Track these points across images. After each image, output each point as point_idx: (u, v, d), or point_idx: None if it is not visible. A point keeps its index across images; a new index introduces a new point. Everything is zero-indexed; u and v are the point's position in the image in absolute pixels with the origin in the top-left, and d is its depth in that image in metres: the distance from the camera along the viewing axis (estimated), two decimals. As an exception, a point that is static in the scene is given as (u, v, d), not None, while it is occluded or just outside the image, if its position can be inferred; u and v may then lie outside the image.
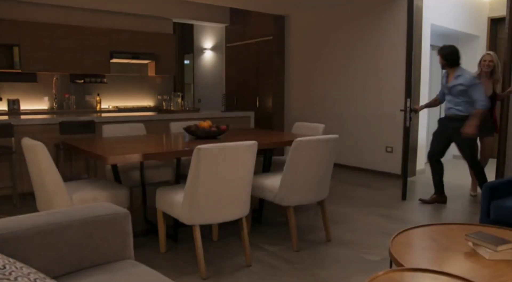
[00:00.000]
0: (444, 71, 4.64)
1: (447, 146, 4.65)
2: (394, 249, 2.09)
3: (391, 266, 2.21)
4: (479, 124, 4.26)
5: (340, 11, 6.71)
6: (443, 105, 4.79)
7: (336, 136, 3.34)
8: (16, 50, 6.71)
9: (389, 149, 6.15)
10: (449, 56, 4.40)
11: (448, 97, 4.55)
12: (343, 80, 6.76)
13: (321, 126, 4.30)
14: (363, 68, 6.44)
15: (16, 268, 1.22)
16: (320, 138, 3.27)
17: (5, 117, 5.57)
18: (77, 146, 3.27)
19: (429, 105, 5.02)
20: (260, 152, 3.00)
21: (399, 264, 1.94)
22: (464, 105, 4.38)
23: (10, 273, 1.16)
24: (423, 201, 4.73)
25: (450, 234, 2.31)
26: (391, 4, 5.97)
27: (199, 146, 2.62)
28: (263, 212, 4.02)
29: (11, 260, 1.28)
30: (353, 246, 3.39)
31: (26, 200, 4.49)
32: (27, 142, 2.83)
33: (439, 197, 4.71)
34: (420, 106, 5.10)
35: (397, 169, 6.04)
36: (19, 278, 1.16)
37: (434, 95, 5.18)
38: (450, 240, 2.22)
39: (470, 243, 2.09)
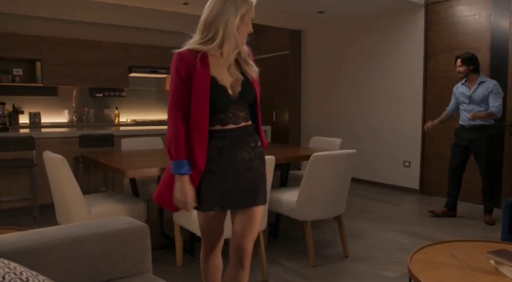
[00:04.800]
0: (459, 83, 4.59)
1: (467, 159, 4.58)
2: (413, 266, 2.06)
3: (410, 284, 2.18)
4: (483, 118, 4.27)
5: (356, 24, 6.73)
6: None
7: (353, 151, 3.33)
8: (38, 64, 6.87)
9: (406, 164, 6.08)
10: (473, 62, 4.36)
11: (466, 107, 4.47)
12: (360, 94, 6.75)
13: (338, 140, 4.28)
14: (380, 82, 6.42)
15: (39, 280, 1.23)
16: (337, 153, 3.26)
17: (27, 130, 5.69)
18: (96, 159, 3.32)
19: (443, 120, 4.81)
20: (277, 166, 3.00)
21: (418, 282, 1.91)
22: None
23: (32, 286, 1.18)
24: (433, 214, 4.68)
25: (471, 251, 2.27)
26: (407, 17, 5.97)
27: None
28: (279, 226, 4.00)
29: (34, 272, 1.30)
30: (371, 262, 3.35)
31: (45, 212, 4.55)
32: (49, 156, 2.88)
33: (449, 211, 4.65)
34: (432, 123, 4.80)
35: (414, 183, 5.97)
36: (41, 291, 1.17)
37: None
38: (471, 258, 2.18)
39: (492, 261, 2.04)
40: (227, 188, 1.92)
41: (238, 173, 1.93)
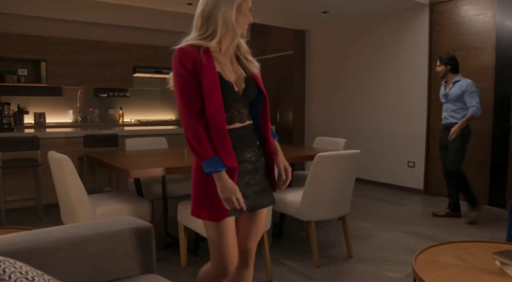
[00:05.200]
0: (443, 83, 4.66)
1: None
2: (418, 267, 2.05)
3: (414, 284, 2.17)
4: (463, 129, 4.33)
5: (360, 25, 6.72)
6: None
7: (357, 151, 3.32)
8: (43, 65, 6.89)
9: (410, 164, 6.07)
10: (452, 61, 4.49)
11: (444, 106, 4.59)
12: (364, 94, 6.74)
13: (342, 141, 4.28)
14: (384, 82, 6.41)
15: (44, 280, 1.24)
16: (341, 153, 3.26)
17: (32, 130, 5.72)
18: (101, 159, 3.33)
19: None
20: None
21: (423, 283, 1.90)
22: (461, 112, 4.42)
23: (38, 286, 1.18)
24: (436, 215, 4.70)
25: (476, 252, 2.26)
26: (412, 17, 5.96)
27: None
28: (283, 226, 4.00)
29: (39, 272, 1.30)
30: (375, 262, 3.34)
31: (50, 212, 4.57)
32: (54, 156, 2.89)
33: (453, 211, 4.66)
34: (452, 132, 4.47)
35: (419, 184, 5.95)
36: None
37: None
38: (476, 259, 2.17)
39: (497, 262, 2.03)
40: (241, 191, 1.79)
41: (249, 175, 1.87)
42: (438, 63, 4.60)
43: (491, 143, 5.12)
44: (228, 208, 1.75)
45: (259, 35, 8.39)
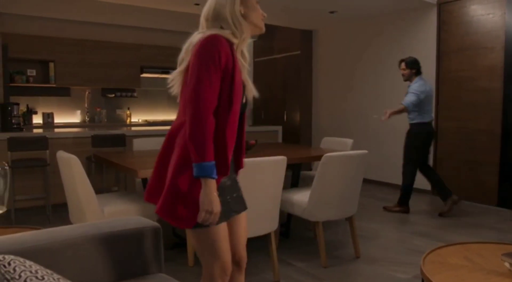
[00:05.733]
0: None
1: (424, 152, 4.95)
2: (426, 268, 2.04)
3: (422, 286, 2.16)
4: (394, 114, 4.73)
5: (368, 24, 6.70)
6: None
7: (365, 151, 3.31)
8: (51, 65, 6.95)
9: (419, 165, 6.02)
10: (416, 65, 4.77)
11: None
12: (371, 94, 6.71)
13: (349, 141, 4.27)
14: (392, 82, 6.38)
15: (54, 279, 1.24)
16: (349, 153, 3.25)
17: (40, 130, 5.76)
18: (109, 159, 3.34)
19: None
20: (289, 166, 3.00)
21: (431, 284, 1.89)
22: (413, 113, 4.76)
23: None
24: (387, 209, 4.97)
25: (485, 254, 2.24)
26: (420, 16, 5.93)
27: (228, 161, 2.63)
28: (290, 226, 4.00)
29: (49, 271, 1.31)
30: (383, 263, 3.33)
31: (58, 212, 4.60)
32: (62, 155, 2.91)
33: (402, 207, 4.91)
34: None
35: (426, 184, 5.90)
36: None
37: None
38: (485, 260, 2.15)
39: (506, 264, 2.02)
40: (232, 193, 1.80)
41: (234, 178, 1.85)
42: (403, 66, 4.83)
43: (500, 143, 5.07)
44: (199, 221, 1.61)
45: (266, 35, 8.38)
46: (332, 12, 6.28)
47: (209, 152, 1.57)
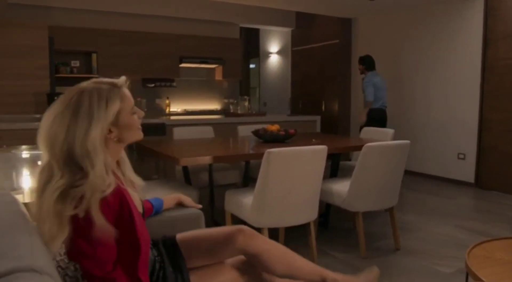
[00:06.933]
0: None
1: None
2: (471, 262, 1.98)
3: (467, 280, 2.11)
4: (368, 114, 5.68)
5: (409, 12, 6.51)
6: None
7: (407, 141, 3.24)
8: (94, 56, 7.13)
9: (461, 156, 5.86)
10: (363, 62, 5.80)
11: None
12: (413, 84, 6.54)
13: (390, 131, 4.19)
14: (434, 71, 6.20)
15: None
16: (391, 143, 3.20)
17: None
18: (151, 147, 3.42)
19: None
20: (328, 156, 2.98)
21: (477, 279, 1.84)
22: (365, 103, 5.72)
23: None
24: None
25: (534, 249, 2.16)
26: (465, 2, 5.70)
27: (269, 150, 2.64)
28: (329, 217, 3.98)
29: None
30: (424, 256, 3.26)
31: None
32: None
33: None
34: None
35: (469, 177, 5.74)
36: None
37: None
38: (534, 255, 2.08)
39: (558, 259, 1.94)
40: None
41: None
42: (358, 61, 5.91)
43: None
44: None
45: (304, 24, 8.30)
46: (371, 0, 6.13)
47: None
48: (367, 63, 5.77)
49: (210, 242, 1.70)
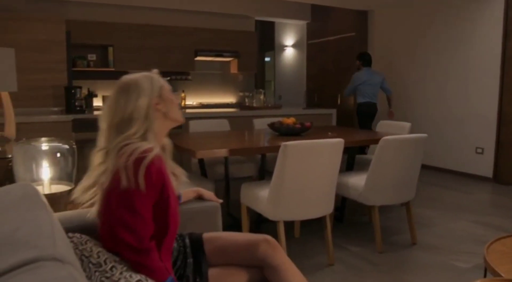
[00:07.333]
0: None
1: None
2: (490, 258, 1.96)
3: (485, 276, 2.09)
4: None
5: (426, 5, 6.41)
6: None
7: (425, 135, 3.21)
8: (110, 50, 7.18)
9: (479, 150, 5.78)
10: (359, 58, 6.09)
11: None
12: (430, 77, 6.46)
13: (407, 124, 4.14)
14: (452, 64, 6.10)
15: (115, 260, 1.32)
16: (408, 137, 3.17)
17: (100, 112, 5.99)
18: (167, 140, 3.43)
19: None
20: (345, 150, 2.96)
21: (496, 274, 1.82)
22: (357, 96, 6.11)
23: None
24: None
25: (555, 244, 2.12)
26: (486, -4, 5.59)
27: (285, 143, 2.64)
28: (345, 211, 3.96)
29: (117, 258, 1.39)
30: (440, 251, 3.23)
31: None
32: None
33: None
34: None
35: (487, 172, 5.66)
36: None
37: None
38: (556, 251, 2.04)
39: None
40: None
41: None
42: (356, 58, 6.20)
43: None
44: None
45: (319, 17, 8.24)
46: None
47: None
48: (364, 60, 6.06)
49: (234, 246, 1.76)
